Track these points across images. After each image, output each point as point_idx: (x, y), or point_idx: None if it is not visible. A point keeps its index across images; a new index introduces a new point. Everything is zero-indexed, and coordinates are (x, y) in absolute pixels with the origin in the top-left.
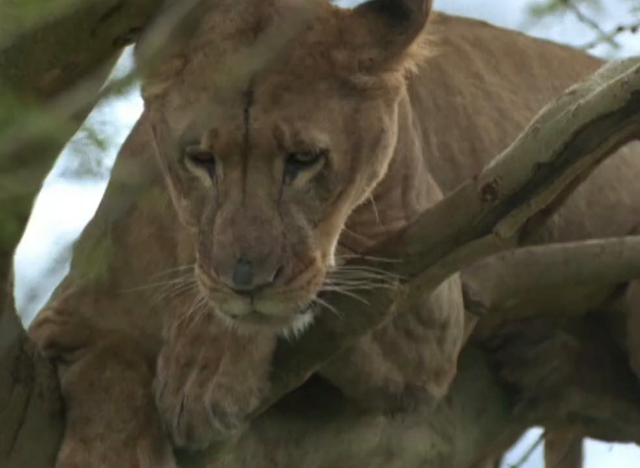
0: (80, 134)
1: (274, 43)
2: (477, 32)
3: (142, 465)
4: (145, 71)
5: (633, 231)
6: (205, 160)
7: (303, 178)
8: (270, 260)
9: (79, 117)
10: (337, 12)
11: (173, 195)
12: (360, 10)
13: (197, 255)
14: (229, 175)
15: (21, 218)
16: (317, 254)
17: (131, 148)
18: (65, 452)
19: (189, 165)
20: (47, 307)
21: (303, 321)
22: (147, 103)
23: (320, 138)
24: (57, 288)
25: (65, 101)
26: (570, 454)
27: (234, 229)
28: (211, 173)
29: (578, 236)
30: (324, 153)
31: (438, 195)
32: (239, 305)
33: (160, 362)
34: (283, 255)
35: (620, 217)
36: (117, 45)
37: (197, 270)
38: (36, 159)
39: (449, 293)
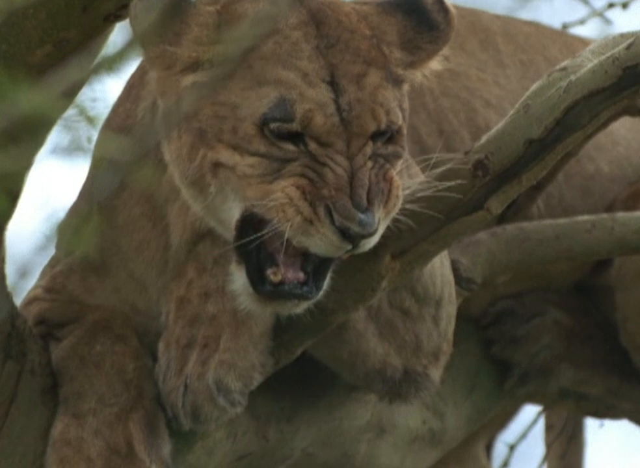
0: (71, 111)
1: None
2: None
3: (135, 438)
4: (168, 64)
5: (613, 203)
6: (291, 135)
7: (382, 141)
8: (377, 200)
9: (70, 93)
10: (355, 9)
11: (223, 157)
12: (385, 9)
13: (288, 188)
14: (331, 147)
15: (12, 194)
16: (394, 172)
17: (110, 129)
18: (58, 428)
19: (271, 137)
20: (35, 286)
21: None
22: (181, 93)
23: (400, 114)
24: (45, 267)
25: (56, 77)
26: (565, 430)
27: (347, 188)
28: (296, 143)
29: (560, 208)
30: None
31: (417, 172)
32: (332, 245)
33: (160, 346)
34: (378, 188)
35: (600, 187)
36: (108, 21)
37: (293, 193)
38: (27, 136)
39: (441, 269)
